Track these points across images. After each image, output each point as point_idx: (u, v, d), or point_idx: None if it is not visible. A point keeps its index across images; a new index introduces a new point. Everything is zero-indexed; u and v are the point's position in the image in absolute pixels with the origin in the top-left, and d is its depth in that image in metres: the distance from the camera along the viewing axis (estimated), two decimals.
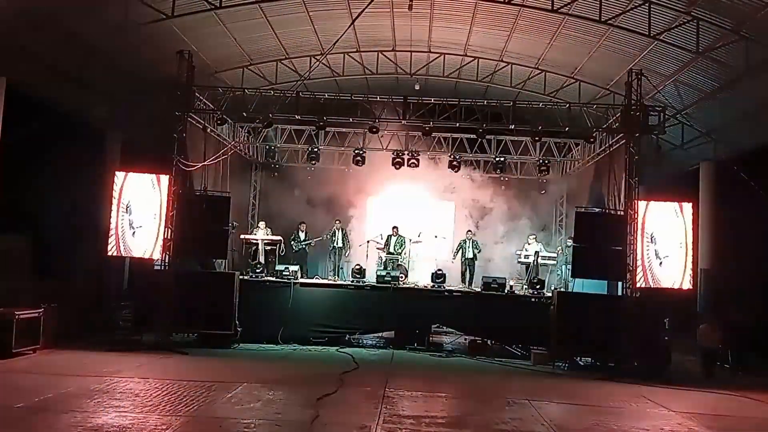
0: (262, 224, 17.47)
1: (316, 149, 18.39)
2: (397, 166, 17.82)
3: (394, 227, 17.55)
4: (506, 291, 15.06)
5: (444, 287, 15.32)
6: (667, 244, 13.77)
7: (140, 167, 14.50)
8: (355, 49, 17.17)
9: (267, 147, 19.25)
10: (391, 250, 17.24)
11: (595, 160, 17.19)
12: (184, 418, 8.06)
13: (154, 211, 14.08)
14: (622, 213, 13.80)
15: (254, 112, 15.30)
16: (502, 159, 18.20)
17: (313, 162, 18.61)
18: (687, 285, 13.85)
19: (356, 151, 18.08)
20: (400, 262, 17.06)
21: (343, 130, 18.12)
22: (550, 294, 14.70)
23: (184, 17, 13.85)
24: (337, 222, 18.01)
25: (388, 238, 17.44)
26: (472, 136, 16.87)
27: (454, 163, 18.10)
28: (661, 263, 13.73)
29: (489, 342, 14.75)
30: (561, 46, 15.78)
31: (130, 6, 12.97)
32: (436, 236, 18.39)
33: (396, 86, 18.23)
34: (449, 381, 11.47)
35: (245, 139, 18.74)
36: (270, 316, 14.51)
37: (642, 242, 13.63)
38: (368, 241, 17.56)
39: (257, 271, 15.34)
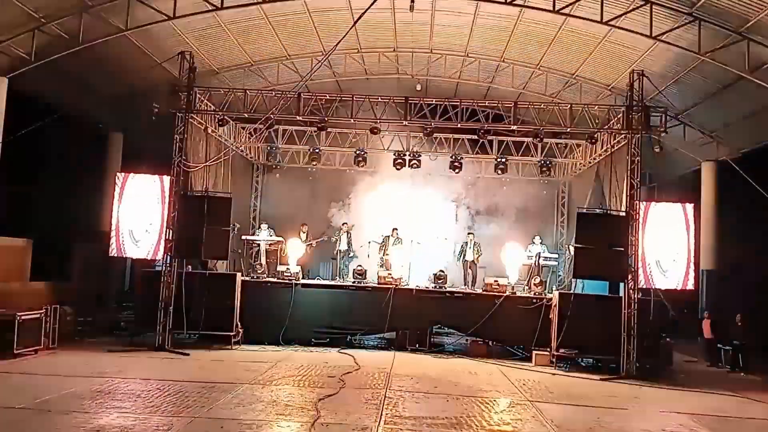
0: (264, 225, 17.48)
1: (317, 150, 18.37)
2: (399, 167, 17.81)
3: (394, 229, 17.51)
4: (507, 292, 15.03)
5: (445, 288, 15.30)
6: (668, 244, 13.76)
7: (141, 168, 14.55)
8: (356, 50, 17.17)
9: (268, 148, 19.25)
10: (388, 251, 17.22)
11: (596, 161, 17.17)
12: (185, 418, 8.07)
13: (155, 212, 14.10)
14: (623, 214, 13.79)
15: (255, 113, 15.29)
16: (503, 160, 18.16)
17: (315, 163, 18.60)
18: (689, 286, 13.85)
19: (357, 152, 18.06)
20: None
21: (345, 130, 18.07)
22: (551, 295, 14.69)
23: (185, 18, 13.88)
24: (344, 225, 17.98)
25: (385, 239, 17.41)
26: (474, 136, 16.81)
27: (456, 163, 18.07)
28: (662, 264, 13.71)
29: (490, 343, 14.74)
30: (562, 47, 15.77)
31: (132, 7, 12.99)
32: (437, 237, 18.32)
33: (397, 87, 18.21)
34: (450, 382, 11.45)
35: (246, 140, 18.74)
36: (271, 317, 14.51)
37: (644, 243, 13.61)
38: (369, 242, 17.55)
39: (258, 271, 15.32)
